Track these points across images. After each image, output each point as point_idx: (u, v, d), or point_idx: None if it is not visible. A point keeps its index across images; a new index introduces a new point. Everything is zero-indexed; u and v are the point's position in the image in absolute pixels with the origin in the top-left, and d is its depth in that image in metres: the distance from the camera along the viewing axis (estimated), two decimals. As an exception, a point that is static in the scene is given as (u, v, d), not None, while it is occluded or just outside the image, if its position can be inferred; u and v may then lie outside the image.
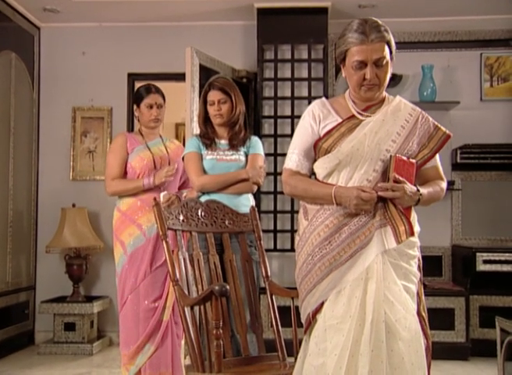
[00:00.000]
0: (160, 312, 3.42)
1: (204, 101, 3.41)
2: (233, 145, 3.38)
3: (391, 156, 2.22)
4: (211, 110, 3.38)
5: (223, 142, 3.42)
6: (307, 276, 2.27)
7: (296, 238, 2.39)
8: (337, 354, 2.10)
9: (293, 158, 2.36)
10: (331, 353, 2.11)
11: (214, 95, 3.37)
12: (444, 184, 2.40)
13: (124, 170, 3.58)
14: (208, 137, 3.39)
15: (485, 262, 4.72)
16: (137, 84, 5.13)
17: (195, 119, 4.28)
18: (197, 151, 3.37)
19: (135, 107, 3.68)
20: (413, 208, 2.29)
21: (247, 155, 3.40)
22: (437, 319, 4.65)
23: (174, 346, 3.46)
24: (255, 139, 3.48)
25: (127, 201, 3.54)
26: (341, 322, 2.13)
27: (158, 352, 3.40)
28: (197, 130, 4.20)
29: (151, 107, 3.61)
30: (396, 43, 2.32)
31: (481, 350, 4.66)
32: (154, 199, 3.27)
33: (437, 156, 2.38)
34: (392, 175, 2.20)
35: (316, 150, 2.32)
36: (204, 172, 3.34)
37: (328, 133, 2.30)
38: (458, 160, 5.09)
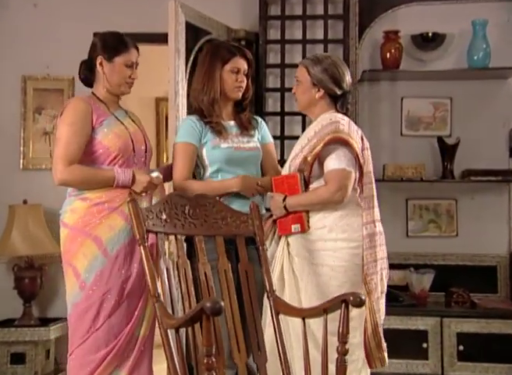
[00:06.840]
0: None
1: (221, 66, 3.39)
2: (245, 128, 3.45)
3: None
4: (233, 80, 3.40)
5: (232, 124, 3.46)
6: None
7: None
8: None
9: None
10: None
11: (241, 63, 3.43)
12: None
13: (90, 151, 3.25)
14: (216, 121, 3.38)
15: (554, 274, 4.77)
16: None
17: (181, 92, 4.27)
18: (194, 144, 3.35)
19: (100, 59, 3.39)
20: None
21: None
22: (490, 348, 4.66)
23: None
24: (263, 122, 3.59)
25: (76, 209, 3.22)
26: None
27: None
28: (183, 108, 4.16)
29: (130, 66, 3.38)
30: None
31: (550, 390, 4.66)
32: (130, 193, 3.18)
33: None
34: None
35: None
36: (215, 163, 3.33)
37: None
38: (518, 143, 5.09)
